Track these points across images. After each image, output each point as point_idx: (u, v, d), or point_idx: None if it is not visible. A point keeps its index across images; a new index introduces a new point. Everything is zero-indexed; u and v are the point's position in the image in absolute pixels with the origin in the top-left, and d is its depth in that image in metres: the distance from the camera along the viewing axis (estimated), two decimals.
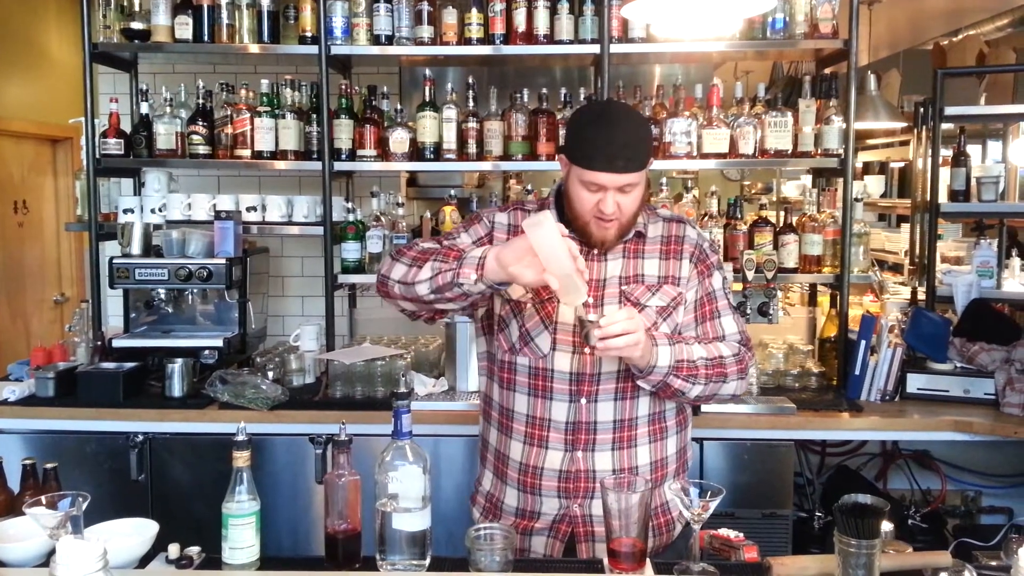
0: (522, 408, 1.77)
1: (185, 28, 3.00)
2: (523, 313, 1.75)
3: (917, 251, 3.38)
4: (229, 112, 3.08)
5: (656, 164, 2.99)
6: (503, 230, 1.80)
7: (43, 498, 1.43)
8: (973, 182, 3.18)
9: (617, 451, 1.74)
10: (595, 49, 2.94)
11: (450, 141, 2.99)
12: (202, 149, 3.06)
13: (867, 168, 5.63)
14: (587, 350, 1.61)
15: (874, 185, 5.29)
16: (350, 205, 3.09)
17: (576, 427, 1.73)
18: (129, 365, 2.82)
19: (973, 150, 3.32)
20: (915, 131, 3.35)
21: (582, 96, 3.10)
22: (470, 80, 3.04)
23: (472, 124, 2.99)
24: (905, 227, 4.05)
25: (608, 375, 1.73)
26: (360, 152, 3.03)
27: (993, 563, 1.66)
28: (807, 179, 4.20)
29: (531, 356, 1.75)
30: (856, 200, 2.93)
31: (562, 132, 2.89)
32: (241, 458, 1.50)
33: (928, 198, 3.17)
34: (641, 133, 1.68)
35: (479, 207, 3.11)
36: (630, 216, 1.71)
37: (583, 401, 1.73)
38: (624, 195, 1.66)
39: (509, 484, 1.80)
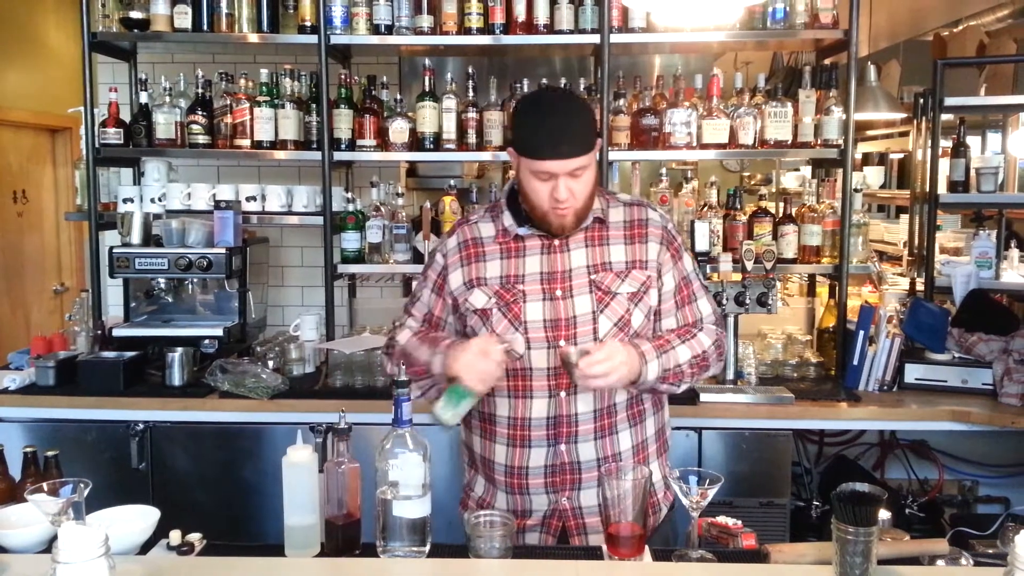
0: (503, 412, 1.76)
1: (184, 17, 2.99)
2: (490, 320, 1.75)
3: (916, 242, 3.38)
4: (228, 102, 3.07)
5: (656, 154, 2.99)
6: (455, 252, 1.81)
7: (44, 485, 1.44)
8: (972, 173, 3.17)
9: (599, 440, 1.75)
10: (595, 39, 2.94)
11: (450, 131, 2.99)
12: (201, 139, 3.05)
13: (866, 159, 5.63)
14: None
15: (873, 176, 5.28)
16: (350, 195, 3.09)
17: (557, 421, 1.73)
18: (129, 354, 2.82)
19: (972, 141, 3.31)
20: (915, 122, 3.34)
21: (582, 86, 3.10)
22: (470, 70, 3.04)
23: (472, 114, 2.99)
24: (904, 218, 4.06)
25: None
26: (360, 142, 3.03)
27: (989, 551, 1.68)
28: (807, 170, 4.20)
29: (507, 360, 1.74)
30: (855, 191, 2.93)
31: None
32: None
33: (927, 189, 3.17)
34: (582, 116, 1.69)
35: (478, 198, 3.11)
36: (584, 199, 1.71)
37: (562, 395, 1.73)
38: (575, 179, 1.67)
39: (498, 487, 1.80)
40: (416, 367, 1.75)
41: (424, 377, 1.75)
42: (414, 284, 1.95)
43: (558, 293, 1.72)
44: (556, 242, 1.76)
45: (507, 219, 1.78)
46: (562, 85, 3.08)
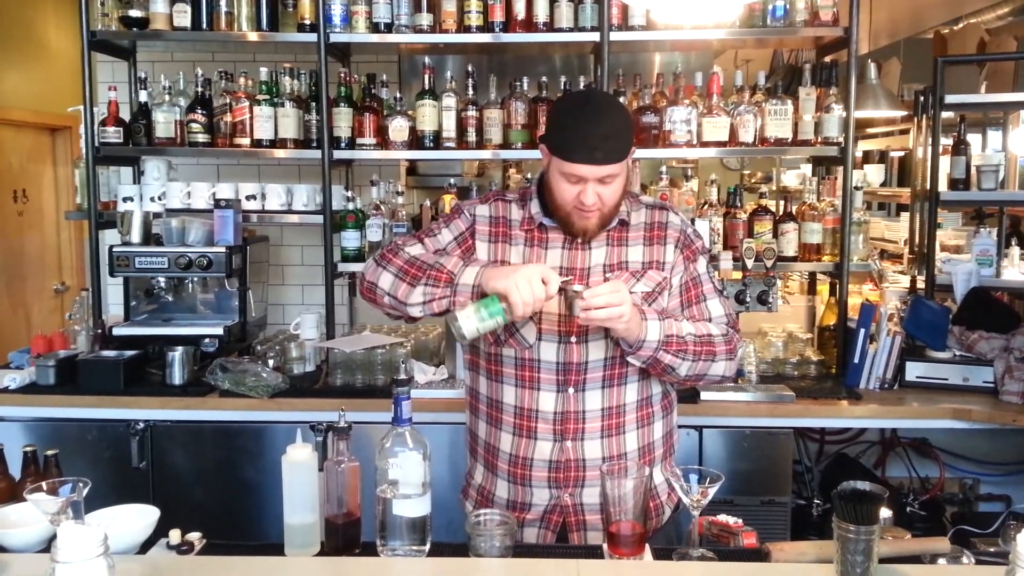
0: (510, 400, 1.77)
1: (183, 16, 2.98)
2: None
3: (917, 240, 3.38)
4: (228, 100, 3.07)
5: (656, 152, 2.99)
6: (485, 222, 1.80)
7: (44, 484, 1.43)
8: (973, 171, 3.17)
9: (606, 439, 1.75)
10: (595, 37, 2.93)
11: (449, 129, 2.99)
12: (201, 137, 3.05)
13: (867, 157, 5.62)
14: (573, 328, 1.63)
15: (874, 174, 5.28)
16: (350, 194, 3.09)
17: (565, 417, 1.73)
18: (130, 353, 2.82)
19: (973, 139, 3.30)
20: (915, 120, 3.34)
21: (582, 84, 3.09)
22: (469, 68, 3.03)
23: (471, 112, 2.99)
24: (905, 216, 4.05)
25: (595, 363, 1.73)
26: (359, 140, 3.03)
27: (991, 550, 1.67)
28: (807, 168, 4.20)
29: (516, 347, 1.74)
30: (856, 189, 2.92)
31: None
32: None
33: (928, 187, 3.17)
34: (621, 124, 1.67)
35: (478, 196, 3.10)
36: (612, 206, 1.71)
37: (571, 391, 1.73)
38: (604, 186, 1.66)
39: (500, 476, 1.80)
40: (428, 272, 1.67)
41: (438, 285, 1.66)
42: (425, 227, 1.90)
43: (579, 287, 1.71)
44: (578, 240, 1.75)
45: (534, 207, 1.78)
46: (562, 83, 3.07)
